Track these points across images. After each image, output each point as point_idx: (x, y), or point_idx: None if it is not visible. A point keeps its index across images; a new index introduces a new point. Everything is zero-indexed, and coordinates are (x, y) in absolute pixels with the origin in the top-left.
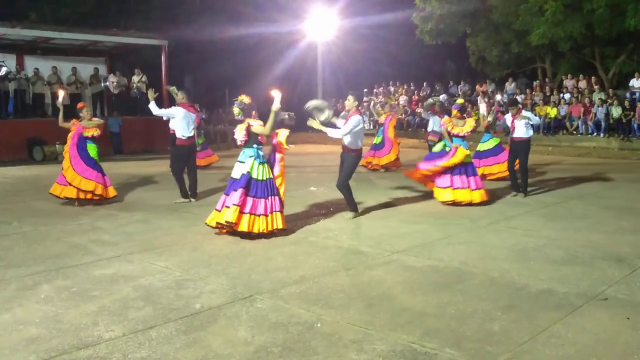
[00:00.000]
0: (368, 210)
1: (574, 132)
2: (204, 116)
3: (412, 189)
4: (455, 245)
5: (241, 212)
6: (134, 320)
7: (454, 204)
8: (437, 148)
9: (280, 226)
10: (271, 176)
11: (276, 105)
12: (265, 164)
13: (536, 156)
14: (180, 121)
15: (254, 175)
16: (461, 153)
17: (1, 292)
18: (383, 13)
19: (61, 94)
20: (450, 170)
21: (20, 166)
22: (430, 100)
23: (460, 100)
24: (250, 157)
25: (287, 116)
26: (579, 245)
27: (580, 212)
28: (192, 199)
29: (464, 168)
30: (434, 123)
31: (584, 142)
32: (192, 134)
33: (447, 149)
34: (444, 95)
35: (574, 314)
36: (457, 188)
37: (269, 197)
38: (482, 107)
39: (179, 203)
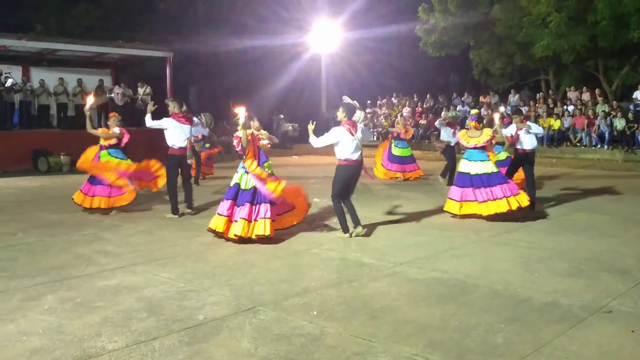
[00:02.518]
0: (372, 221)
1: (578, 144)
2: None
3: (417, 200)
4: (460, 258)
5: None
6: (137, 331)
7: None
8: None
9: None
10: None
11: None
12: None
13: (540, 168)
14: (172, 132)
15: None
16: None
17: (5, 302)
18: (387, 25)
19: (89, 100)
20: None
21: (25, 177)
22: (448, 113)
23: (475, 111)
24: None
25: (290, 128)
26: (583, 257)
27: (584, 224)
28: (189, 209)
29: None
30: (445, 133)
31: (587, 154)
32: (184, 144)
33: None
34: (459, 107)
35: (578, 326)
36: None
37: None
38: (497, 117)
39: (168, 218)
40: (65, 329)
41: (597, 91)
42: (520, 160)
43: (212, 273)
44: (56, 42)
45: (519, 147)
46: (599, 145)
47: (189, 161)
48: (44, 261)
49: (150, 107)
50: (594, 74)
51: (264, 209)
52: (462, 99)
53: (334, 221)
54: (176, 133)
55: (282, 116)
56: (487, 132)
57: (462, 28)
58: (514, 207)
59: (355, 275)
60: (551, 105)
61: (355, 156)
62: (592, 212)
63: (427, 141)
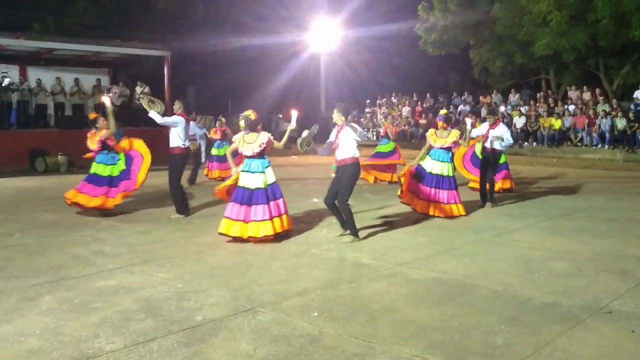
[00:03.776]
0: (371, 222)
1: (578, 143)
2: (201, 127)
3: None
4: (459, 258)
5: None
6: (135, 332)
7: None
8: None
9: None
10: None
11: (293, 124)
12: None
13: (540, 168)
14: (180, 130)
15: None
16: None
17: (2, 303)
18: (386, 24)
19: (106, 99)
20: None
21: (22, 177)
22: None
23: (443, 111)
24: (267, 167)
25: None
26: (584, 258)
27: (585, 224)
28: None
29: (441, 181)
30: None
31: (588, 154)
32: (188, 143)
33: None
34: (460, 107)
35: (578, 327)
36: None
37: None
38: (469, 122)
39: (173, 219)
40: (62, 330)
41: (597, 90)
42: (490, 158)
43: (210, 274)
44: (53, 41)
45: (488, 145)
46: (599, 145)
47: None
48: (41, 262)
49: (147, 105)
50: (595, 73)
51: (279, 205)
52: (462, 98)
53: (334, 221)
54: (185, 131)
55: (280, 116)
56: (454, 134)
57: (462, 27)
58: (449, 214)
59: (354, 275)
60: (552, 105)
61: (338, 156)
62: (592, 213)
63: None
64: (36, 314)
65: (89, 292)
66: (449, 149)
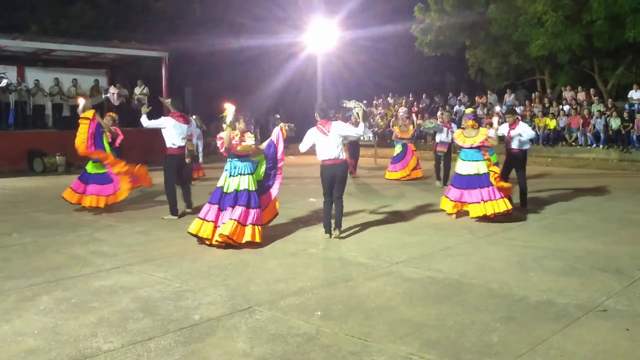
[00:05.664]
0: (367, 220)
1: (573, 143)
2: (199, 127)
3: (412, 200)
4: (455, 257)
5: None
6: (132, 331)
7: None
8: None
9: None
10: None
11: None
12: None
13: (535, 167)
14: (171, 130)
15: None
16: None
17: (0, 303)
18: (383, 25)
19: (81, 101)
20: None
21: (20, 177)
22: (425, 123)
23: (469, 110)
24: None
25: (287, 127)
26: (578, 256)
27: (580, 223)
28: (187, 210)
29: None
30: (440, 135)
31: (583, 154)
32: (182, 143)
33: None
34: (456, 107)
35: (573, 325)
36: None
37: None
38: (495, 121)
39: (166, 219)
40: (60, 330)
41: (592, 91)
42: (513, 160)
43: (208, 273)
44: (51, 42)
45: (512, 146)
46: (594, 145)
47: (187, 160)
48: (39, 262)
49: (145, 109)
50: (590, 74)
51: (254, 214)
52: (458, 98)
53: (331, 221)
54: (175, 132)
55: (278, 116)
56: (483, 132)
57: (458, 28)
58: (489, 212)
59: (351, 274)
60: (547, 105)
61: (331, 155)
62: (587, 211)
63: (423, 141)
64: (34, 313)
65: (86, 292)
66: (478, 147)
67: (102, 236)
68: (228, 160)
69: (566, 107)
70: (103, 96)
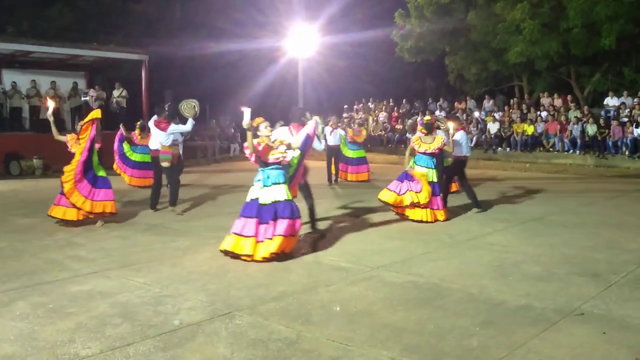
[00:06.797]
0: (348, 225)
1: (551, 149)
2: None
3: None
4: (435, 261)
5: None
6: (111, 337)
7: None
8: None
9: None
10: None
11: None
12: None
13: (514, 172)
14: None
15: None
16: (417, 174)
17: None
18: (363, 31)
19: (50, 104)
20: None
21: None
22: (411, 120)
23: (427, 118)
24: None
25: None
26: (556, 261)
27: (557, 228)
28: (170, 207)
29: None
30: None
31: (560, 159)
32: (158, 147)
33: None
34: (436, 112)
35: (550, 329)
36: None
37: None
38: (451, 126)
39: (177, 213)
40: (37, 335)
41: (569, 97)
42: (459, 166)
43: (187, 278)
44: (29, 43)
45: (458, 153)
46: (571, 151)
47: (163, 164)
48: (15, 266)
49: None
50: (567, 81)
51: (299, 224)
52: (438, 104)
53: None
54: (154, 137)
55: (308, 114)
56: (439, 139)
57: (438, 34)
58: (431, 219)
59: (332, 279)
60: (525, 111)
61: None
62: (565, 217)
63: (402, 146)
64: (10, 319)
65: (64, 297)
66: (432, 154)
67: (79, 240)
68: (260, 170)
69: (544, 113)
70: (82, 99)
